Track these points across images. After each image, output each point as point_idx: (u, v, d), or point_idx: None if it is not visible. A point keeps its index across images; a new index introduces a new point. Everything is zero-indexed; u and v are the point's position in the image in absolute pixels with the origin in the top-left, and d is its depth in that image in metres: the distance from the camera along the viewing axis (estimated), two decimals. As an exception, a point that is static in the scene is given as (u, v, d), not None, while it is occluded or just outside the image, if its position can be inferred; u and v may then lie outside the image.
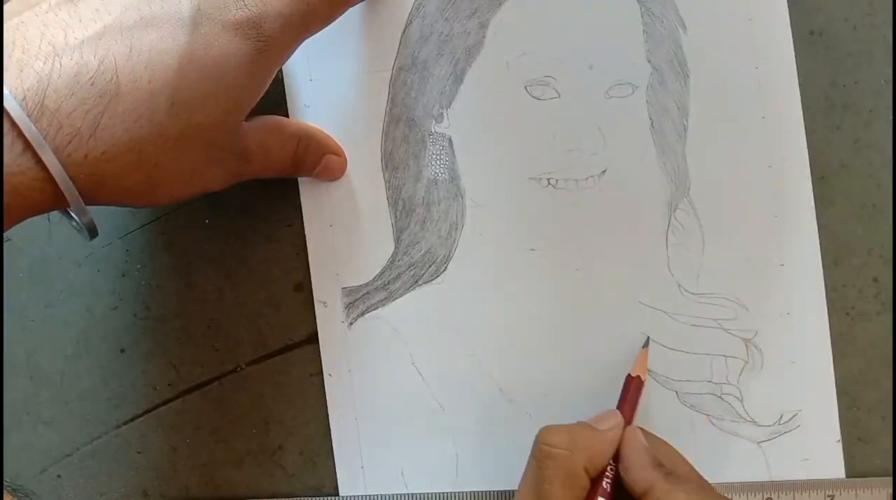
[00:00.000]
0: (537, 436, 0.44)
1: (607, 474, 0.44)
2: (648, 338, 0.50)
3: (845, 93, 0.51)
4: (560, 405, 0.51)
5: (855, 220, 0.51)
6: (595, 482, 0.44)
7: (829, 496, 0.50)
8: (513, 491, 0.50)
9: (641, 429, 0.46)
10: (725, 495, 0.44)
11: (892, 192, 0.51)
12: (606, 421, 0.46)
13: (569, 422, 0.46)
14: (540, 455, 0.43)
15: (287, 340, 0.52)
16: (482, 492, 0.51)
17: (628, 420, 0.47)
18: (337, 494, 0.51)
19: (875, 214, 0.51)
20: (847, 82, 0.51)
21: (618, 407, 0.48)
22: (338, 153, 0.50)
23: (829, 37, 0.51)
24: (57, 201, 0.38)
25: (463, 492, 0.51)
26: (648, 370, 0.50)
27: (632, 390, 0.48)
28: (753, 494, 0.50)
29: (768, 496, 0.50)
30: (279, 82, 0.50)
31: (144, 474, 0.52)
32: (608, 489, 0.44)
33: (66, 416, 0.52)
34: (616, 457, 0.45)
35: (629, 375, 0.48)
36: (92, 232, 0.40)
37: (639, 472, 0.43)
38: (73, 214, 0.39)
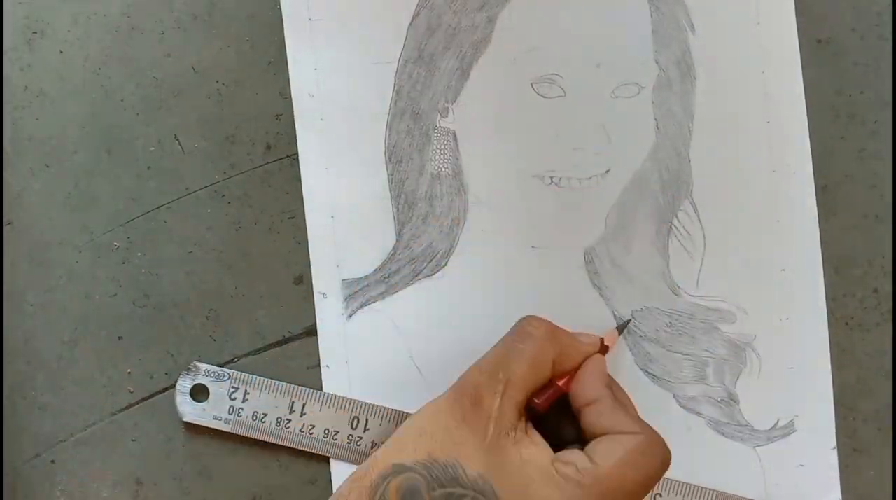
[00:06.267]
0: (521, 320, 0.46)
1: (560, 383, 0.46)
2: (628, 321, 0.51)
3: (851, 102, 0.51)
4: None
5: (857, 230, 0.51)
6: (552, 381, 0.45)
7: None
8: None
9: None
10: None
11: (893, 203, 0.51)
12: (587, 337, 0.47)
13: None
14: (520, 331, 0.45)
15: (285, 332, 0.51)
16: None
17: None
18: (331, 487, 0.51)
19: (877, 224, 0.51)
20: (853, 92, 0.51)
21: None
22: None
23: (837, 46, 0.51)
24: None
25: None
26: (645, 371, 0.51)
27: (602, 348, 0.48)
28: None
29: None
30: (284, 71, 0.50)
31: (138, 462, 0.52)
32: (557, 393, 0.45)
33: (62, 402, 0.52)
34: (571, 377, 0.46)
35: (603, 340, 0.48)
36: None
37: (590, 384, 0.45)
38: None
